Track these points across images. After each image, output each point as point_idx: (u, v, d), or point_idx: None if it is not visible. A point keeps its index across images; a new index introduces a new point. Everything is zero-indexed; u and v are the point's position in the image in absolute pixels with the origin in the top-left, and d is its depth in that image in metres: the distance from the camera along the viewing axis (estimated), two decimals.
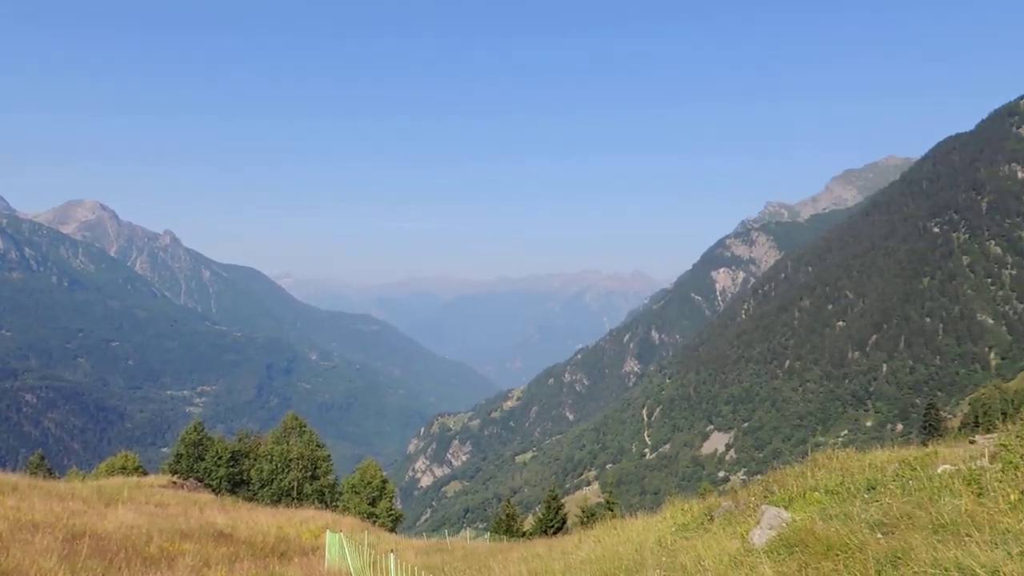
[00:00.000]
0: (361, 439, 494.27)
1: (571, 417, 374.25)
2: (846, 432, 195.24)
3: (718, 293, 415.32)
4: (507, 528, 49.18)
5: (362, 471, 52.08)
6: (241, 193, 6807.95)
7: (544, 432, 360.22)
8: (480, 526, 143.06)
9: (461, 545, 32.71)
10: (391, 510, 50.66)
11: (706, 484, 50.13)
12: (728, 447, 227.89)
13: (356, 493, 49.77)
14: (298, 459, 47.19)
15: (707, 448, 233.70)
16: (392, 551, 10.91)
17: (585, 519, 45.32)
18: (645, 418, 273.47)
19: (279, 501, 42.96)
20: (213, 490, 42.50)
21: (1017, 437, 11.61)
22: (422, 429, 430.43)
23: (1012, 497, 7.84)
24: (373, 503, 49.45)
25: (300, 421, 51.12)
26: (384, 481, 52.26)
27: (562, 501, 52.33)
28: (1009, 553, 5.86)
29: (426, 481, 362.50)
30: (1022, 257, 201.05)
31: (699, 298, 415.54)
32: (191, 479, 43.47)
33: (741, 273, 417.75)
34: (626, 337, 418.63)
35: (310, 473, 47.79)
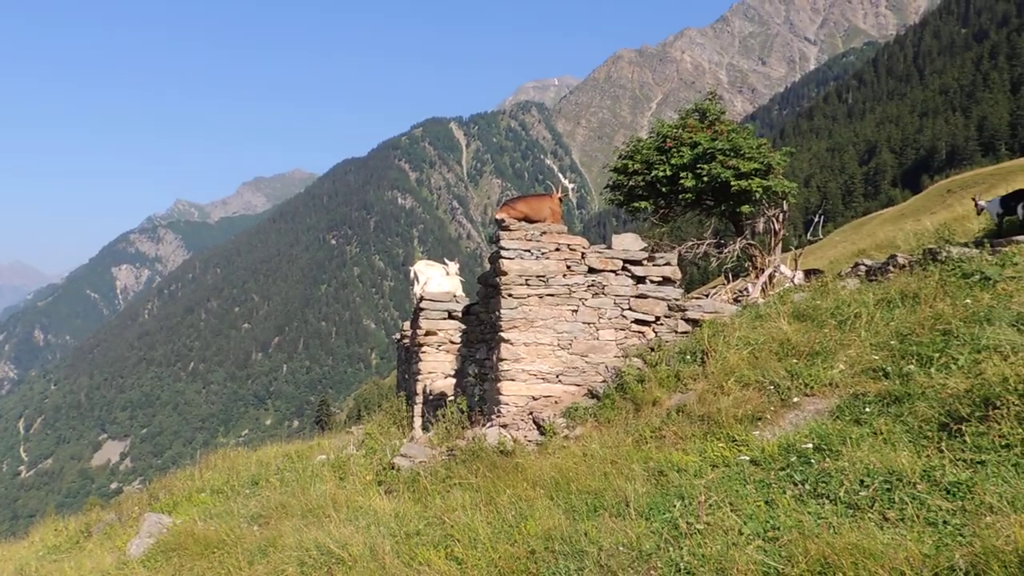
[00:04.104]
0: None
1: None
2: (247, 431, 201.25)
3: (119, 291, 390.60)
4: None
5: None
6: None
7: None
8: None
9: None
10: None
11: (93, 498, 45.97)
12: (124, 456, 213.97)
13: None
14: None
15: (99, 459, 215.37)
16: None
17: None
18: (22, 431, 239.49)
19: None
20: None
21: (378, 426, 13.65)
22: None
23: (367, 478, 9.19)
24: None
25: None
26: None
27: None
28: (357, 526, 6.87)
29: None
30: (399, 271, 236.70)
31: (96, 296, 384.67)
32: None
33: (146, 271, 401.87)
34: (1, 337, 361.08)
35: None
